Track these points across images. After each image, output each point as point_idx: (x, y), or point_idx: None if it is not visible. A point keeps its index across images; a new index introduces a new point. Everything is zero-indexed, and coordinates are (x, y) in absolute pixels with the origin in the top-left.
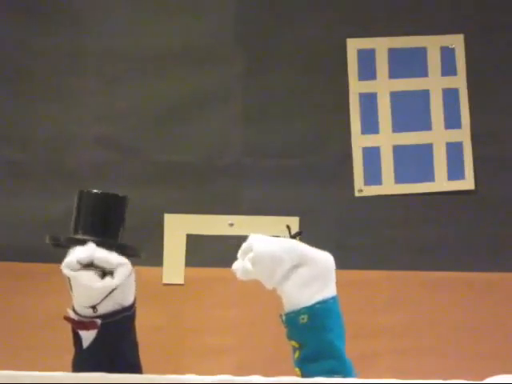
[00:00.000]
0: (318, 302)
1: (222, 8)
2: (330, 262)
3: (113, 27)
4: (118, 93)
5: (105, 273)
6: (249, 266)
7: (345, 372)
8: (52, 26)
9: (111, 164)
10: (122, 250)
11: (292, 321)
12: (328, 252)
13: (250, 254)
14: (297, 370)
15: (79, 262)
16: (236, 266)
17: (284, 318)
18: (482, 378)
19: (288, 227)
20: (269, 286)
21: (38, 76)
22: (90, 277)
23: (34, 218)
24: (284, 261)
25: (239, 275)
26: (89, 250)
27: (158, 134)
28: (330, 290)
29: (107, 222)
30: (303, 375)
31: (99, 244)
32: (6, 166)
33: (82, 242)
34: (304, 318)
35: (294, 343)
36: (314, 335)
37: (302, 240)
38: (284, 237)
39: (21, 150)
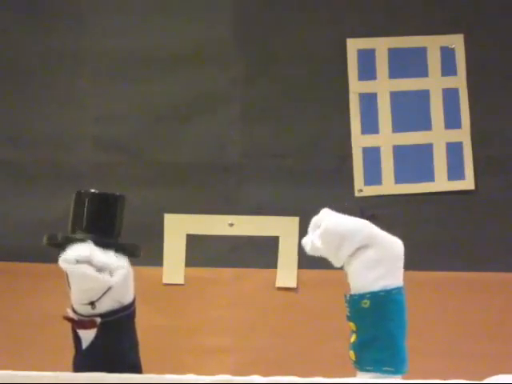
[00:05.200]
0: (383, 290)
1: (221, 9)
2: (399, 249)
3: (113, 28)
4: (118, 93)
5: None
6: (317, 242)
7: (396, 364)
8: (52, 26)
9: (111, 164)
10: (120, 249)
11: (354, 303)
12: None
13: (319, 229)
14: (351, 352)
15: (77, 260)
16: (305, 240)
17: (348, 298)
18: (482, 378)
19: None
20: (336, 263)
21: (38, 76)
22: (87, 268)
23: (33, 218)
24: (352, 239)
25: (308, 250)
26: (88, 250)
27: (158, 135)
28: (395, 279)
29: (105, 221)
30: (356, 359)
31: (97, 243)
32: (6, 166)
33: (80, 241)
34: (366, 303)
35: (352, 325)
36: (373, 321)
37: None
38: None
39: (20, 149)
